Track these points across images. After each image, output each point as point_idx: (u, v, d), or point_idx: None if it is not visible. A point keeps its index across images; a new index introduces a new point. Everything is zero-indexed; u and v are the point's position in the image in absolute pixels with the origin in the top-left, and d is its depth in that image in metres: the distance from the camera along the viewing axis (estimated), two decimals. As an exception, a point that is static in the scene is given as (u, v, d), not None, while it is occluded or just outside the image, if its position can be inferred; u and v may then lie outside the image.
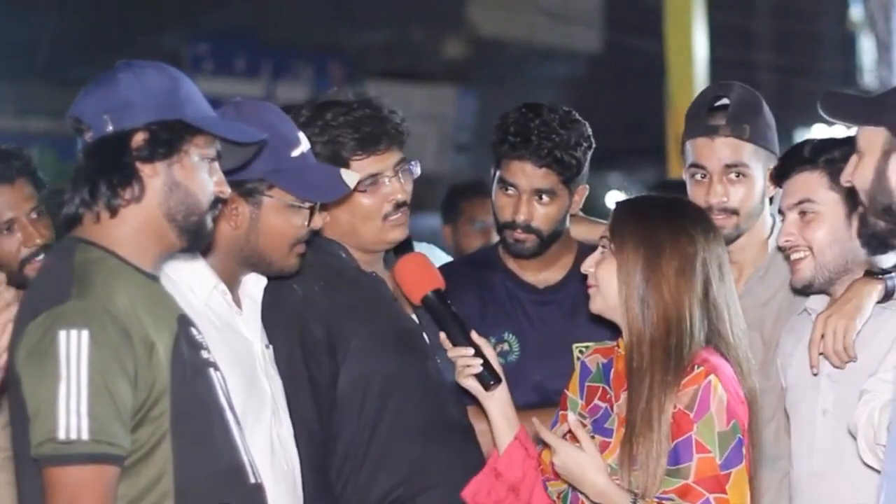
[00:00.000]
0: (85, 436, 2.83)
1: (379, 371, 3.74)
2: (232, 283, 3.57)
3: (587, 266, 3.59)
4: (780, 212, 3.96)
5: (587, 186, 4.17)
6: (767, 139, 4.12)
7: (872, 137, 3.28)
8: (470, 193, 6.76)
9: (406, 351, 3.80)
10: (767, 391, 3.89)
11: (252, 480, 3.16)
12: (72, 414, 2.83)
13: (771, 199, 4.20)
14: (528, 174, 4.04)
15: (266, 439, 3.46)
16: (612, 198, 25.93)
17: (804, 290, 3.92)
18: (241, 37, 25.70)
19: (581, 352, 4.06)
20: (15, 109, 23.05)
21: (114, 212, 3.02)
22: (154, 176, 3.04)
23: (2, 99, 23.04)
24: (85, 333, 2.86)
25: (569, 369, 3.97)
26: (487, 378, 3.62)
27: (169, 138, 3.04)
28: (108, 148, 3.01)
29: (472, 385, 3.64)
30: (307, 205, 3.58)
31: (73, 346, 2.85)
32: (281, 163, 3.49)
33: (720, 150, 4.04)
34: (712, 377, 3.43)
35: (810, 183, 3.86)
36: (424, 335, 3.86)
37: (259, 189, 3.50)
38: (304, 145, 3.59)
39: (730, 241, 4.01)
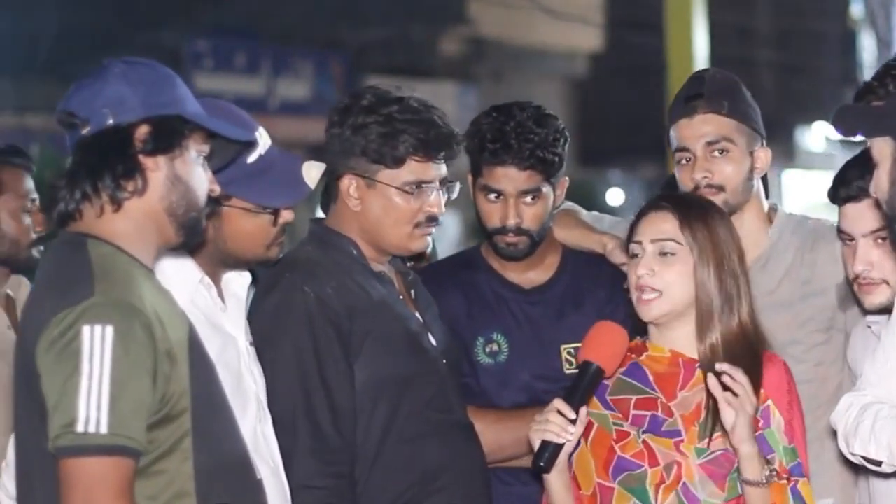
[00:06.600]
0: (104, 429, 2.82)
1: (391, 374, 3.69)
2: (215, 280, 3.56)
3: (648, 269, 3.50)
4: (841, 231, 3.84)
5: (567, 178, 4.12)
6: (749, 117, 4.07)
7: (883, 147, 3.28)
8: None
9: (416, 353, 3.76)
10: None
11: (257, 476, 3.16)
12: (92, 408, 2.82)
13: (764, 180, 4.18)
14: (512, 178, 3.98)
15: (251, 436, 3.43)
16: (613, 195, 25.97)
17: (879, 312, 3.82)
18: (242, 34, 25.68)
19: (570, 353, 4.01)
20: (15, 106, 23.05)
21: (118, 205, 3.01)
22: (156, 170, 3.03)
23: (2, 95, 23.05)
24: (109, 329, 2.84)
25: (557, 370, 3.95)
26: (549, 459, 3.41)
27: (171, 132, 3.04)
28: (110, 140, 3.00)
29: (534, 444, 3.44)
30: (268, 210, 3.53)
31: (98, 342, 2.83)
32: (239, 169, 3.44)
33: (700, 127, 4.01)
34: (770, 402, 3.49)
35: None
36: (430, 335, 3.84)
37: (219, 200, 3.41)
38: (263, 145, 3.51)
39: None
